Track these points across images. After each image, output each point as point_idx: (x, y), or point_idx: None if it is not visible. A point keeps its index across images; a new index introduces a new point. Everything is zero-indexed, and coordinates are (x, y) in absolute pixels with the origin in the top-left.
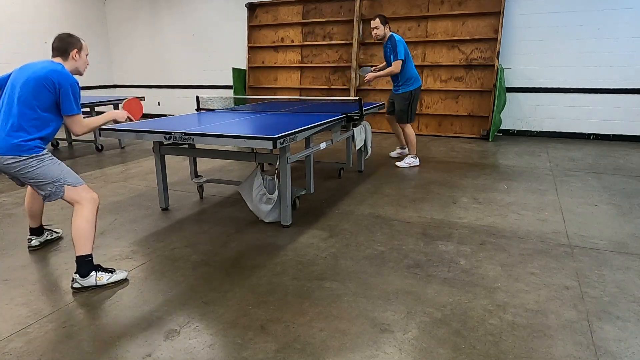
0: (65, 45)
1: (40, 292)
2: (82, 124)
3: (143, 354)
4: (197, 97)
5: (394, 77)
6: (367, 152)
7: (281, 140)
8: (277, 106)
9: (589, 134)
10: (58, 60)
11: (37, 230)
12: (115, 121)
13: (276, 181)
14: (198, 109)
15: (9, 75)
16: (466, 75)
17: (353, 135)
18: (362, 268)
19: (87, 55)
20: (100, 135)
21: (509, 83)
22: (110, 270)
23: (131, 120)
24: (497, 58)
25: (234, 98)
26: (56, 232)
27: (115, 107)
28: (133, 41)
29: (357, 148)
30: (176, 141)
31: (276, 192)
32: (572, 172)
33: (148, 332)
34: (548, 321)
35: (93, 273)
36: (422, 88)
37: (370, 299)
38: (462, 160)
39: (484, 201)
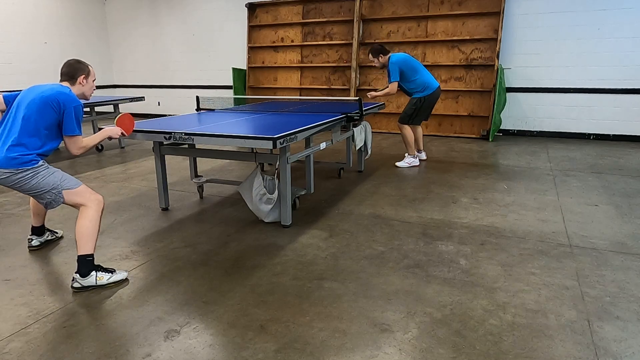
0: (73, 71)
1: (40, 292)
2: (80, 145)
3: (143, 354)
4: (197, 97)
5: (406, 87)
6: (367, 152)
7: (281, 140)
8: (277, 106)
9: (589, 134)
10: (66, 84)
11: (38, 230)
12: (110, 138)
13: (276, 181)
14: (198, 109)
15: (17, 94)
16: (466, 75)
17: (353, 135)
18: (362, 268)
19: (94, 80)
20: None
21: (509, 83)
22: (111, 271)
23: (124, 135)
24: (497, 58)
25: (234, 98)
26: (56, 233)
27: (115, 107)
28: (133, 41)
29: (357, 148)
30: (176, 141)
31: (276, 192)
32: (572, 172)
33: (148, 332)
34: (548, 321)
35: (93, 273)
36: None
37: (370, 299)
38: (462, 160)
39: (484, 201)
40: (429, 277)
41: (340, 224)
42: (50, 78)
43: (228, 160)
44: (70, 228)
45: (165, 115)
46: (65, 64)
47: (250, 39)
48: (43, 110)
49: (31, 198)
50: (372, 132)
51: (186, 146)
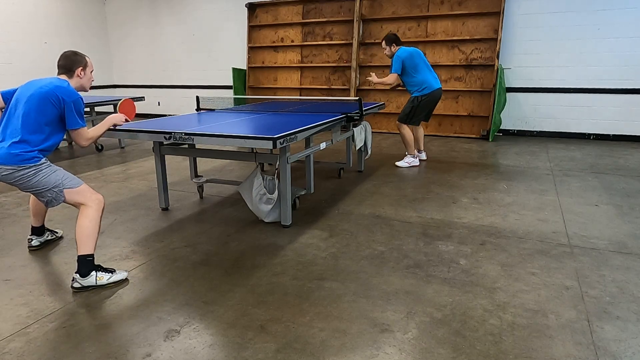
0: (70, 63)
1: (40, 292)
2: (86, 136)
3: (143, 354)
4: (197, 97)
5: (405, 84)
6: (367, 152)
7: (281, 140)
8: (277, 106)
9: (589, 134)
10: (63, 77)
11: (38, 230)
12: (115, 125)
13: (276, 181)
14: (198, 109)
15: (15, 91)
16: (466, 75)
17: (353, 135)
18: (362, 268)
19: (92, 72)
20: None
21: (509, 83)
22: (111, 271)
23: (127, 121)
24: (497, 58)
25: (234, 98)
26: (56, 233)
27: (115, 107)
28: (133, 41)
29: (357, 148)
30: (176, 141)
31: (276, 192)
32: (572, 172)
33: (148, 332)
34: (548, 321)
35: (93, 273)
36: None
37: (370, 299)
38: (462, 160)
39: (484, 201)
40: (429, 277)
41: (340, 224)
42: None
43: (228, 160)
44: (71, 228)
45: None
46: (61, 56)
47: (250, 39)
48: (42, 106)
49: (31, 198)
50: (372, 132)
51: (186, 146)
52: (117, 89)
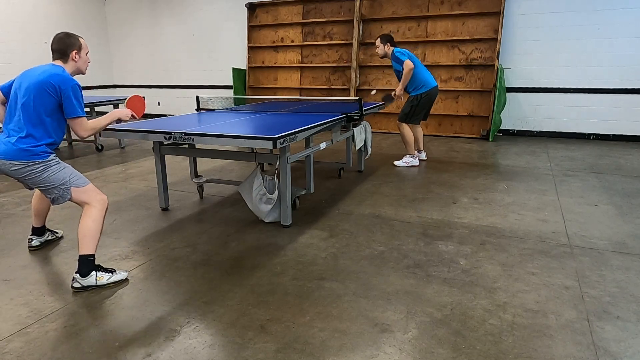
0: (64, 46)
1: (40, 292)
2: (86, 127)
3: (143, 354)
4: (197, 97)
5: (409, 82)
6: (367, 152)
7: (281, 140)
8: (277, 106)
9: (589, 134)
10: (58, 62)
11: (38, 230)
12: (120, 120)
13: (276, 181)
14: (198, 109)
15: (12, 83)
16: (466, 75)
17: (353, 135)
18: (362, 268)
19: (87, 53)
20: (100, 135)
21: (509, 83)
22: (111, 271)
23: (135, 118)
24: (497, 58)
25: (234, 98)
26: (56, 233)
27: (116, 107)
28: (133, 41)
29: (357, 148)
30: (176, 141)
31: (276, 192)
32: (572, 172)
33: (148, 332)
34: (548, 321)
35: (93, 273)
36: None
37: (370, 299)
38: (462, 160)
39: (484, 201)
40: (429, 277)
41: (340, 224)
42: None
43: (228, 160)
44: (71, 228)
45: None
46: (54, 39)
47: (250, 39)
48: (40, 96)
49: (33, 198)
50: (372, 132)
51: (186, 146)
52: (117, 89)
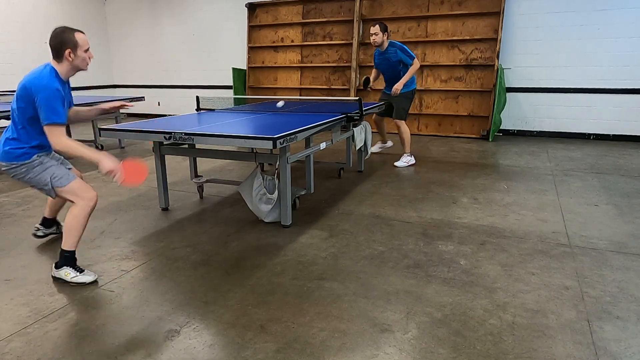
0: (58, 44)
1: (40, 292)
2: (58, 138)
3: (143, 354)
4: (197, 97)
5: (396, 80)
6: (367, 152)
7: (281, 140)
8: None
9: (589, 134)
10: (53, 62)
11: (47, 222)
12: (100, 166)
13: (276, 181)
14: (198, 109)
15: None
16: (466, 75)
17: (353, 135)
18: (362, 268)
19: (87, 50)
20: (100, 135)
21: (509, 83)
22: (81, 270)
23: (120, 181)
24: (497, 58)
25: (234, 98)
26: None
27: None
28: (133, 41)
29: (357, 148)
30: (176, 141)
31: (276, 192)
32: (572, 172)
33: (148, 332)
34: (548, 321)
35: (64, 268)
36: (422, 88)
37: (370, 299)
38: (462, 160)
39: (484, 201)
40: (429, 277)
41: (340, 224)
42: None
43: (228, 160)
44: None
45: (165, 115)
46: (51, 34)
47: (250, 39)
48: (21, 100)
49: None
50: (372, 132)
51: (186, 146)
52: (117, 89)
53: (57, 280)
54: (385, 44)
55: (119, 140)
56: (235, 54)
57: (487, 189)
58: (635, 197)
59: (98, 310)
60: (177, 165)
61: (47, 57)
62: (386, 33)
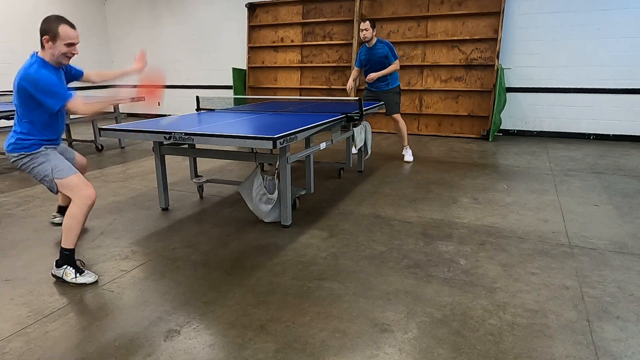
0: (40, 30)
1: (40, 292)
2: (76, 109)
3: (143, 354)
4: (197, 97)
5: (383, 76)
6: (367, 152)
7: (281, 140)
8: (277, 106)
9: (589, 134)
10: (39, 50)
11: (63, 210)
12: (119, 102)
13: (276, 181)
14: (198, 109)
15: None
16: (466, 75)
17: (353, 135)
18: (362, 268)
19: (68, 44)
20: (100, 135)
21: (509, 83)
22: (80, 271)
23: (142, 99)
24: (497, 58)
25: (234, 98)
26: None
27: (116, 107)
28: (133, 41)
29: (357, 148)
30: (176, 141)
31: (276, 192)
32: (572, 172)
33: (148, 332)
34: (548, 321)
35: (64, 267)
36: (422, 88)
37: (370, 299)
38: (462, 160)
39: (484, 201)
40: (429, 277)
41: (340, 224)
42: None
43: (228, 160)
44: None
45: (165, 115)
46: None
47: (250, 39)
48: (19, 97)
49: None
50: (372, 132)
51: (186, 146)
52: (117, 89)
53: (57, 280)
54: (374, 41)
55: (119, 140)
56: (235, 54)
57: (487, 189)
58: (635, 197)
59: (98, 310)
60: (177, 165)
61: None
62: (374, 29)
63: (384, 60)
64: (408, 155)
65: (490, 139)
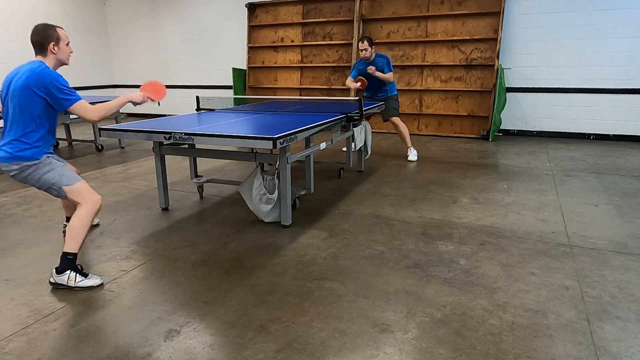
0: (41, 39)
1: (40, 292)
2: (90, 110)
3: (143, 354)
4: (197, 97)
5: (382, 84)
6: (367, 152)
7: (281, 140)
8: (277, 106)
9: (589, 134)
10: (39, 57)
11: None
12: (135, 103)
13: (276, 181)
14: (198, 109)
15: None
16: (466, 75)
17: (353, 135)
18: (362, 268)
19: (68, 44)
20: (100, 135)
21: (509, 83)
22: (85, 274)
23: (152, 100)
24: (497, 58)
25: (234, 98)
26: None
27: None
28: (133, 41)
29: (357, 148)
30: (176, 141)
31: (276, 192)
32: (572, 172)
33: (148, 332)
34: (548, 321)
35: (68, 272)
36: (422, 88)
37: (370, 299)
38: (462, 160)
39: (484, 201)
40: (429, 277)
41: (340, 224)
42: None
43: (228, 160)
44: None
45: (165, 115)
46: (32, 32)
47: (250, 39)
48: (26, 100)
49: None
50: (372, 132)
51: (186, 146)
52: (117, 88)
53: (59, 287)
54: (373, 56)
55: (119, 140)
56: (235, 54)
57: (487, 189)
58: (635, 197)
59: (98, 310)
60: (177, 165)
61: None
62: (373, 46)
63: (382, 72)
64: (412, 155)
65: (490, 139)
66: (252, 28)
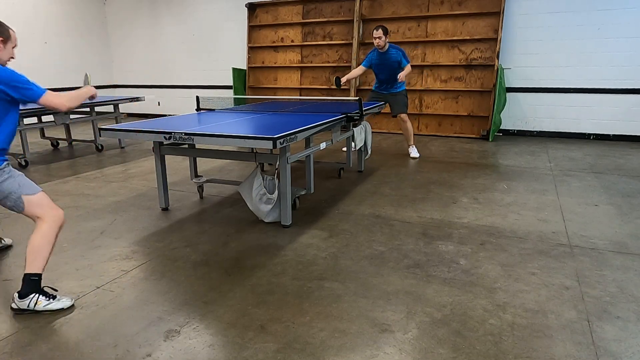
0: None
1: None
2: (57, 100)
3: (143, 354)
4: (197, 97)
5: (393, 79)
6: (367, 152)
7: (281, 140)
8: (277, 106)
9: (589, 134)
10: None
11: None
12: (90, 97)
13: (276, 181)
14: (198, 109)
15: None
16: (466, 75)
17: (353, 135)
18: (362, 268)
19: (14, 47)
20: (100, 135)
21: (509, 83)
22: (52, 296)
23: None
24: (497, 58)
25: (234, 98)
26: (3, 241)
27: (115, 107)
28: (133, 41)
29: (357, 148)
30: (176, 141)
31: (276, 192)
32: (572, 172)
33: (148, 332)
34: (548, 321)
35: (32, 295)
36: (422, 88)
37: (370, 299)
38: (462, 160)
39: (484, 201)
40: (429, 277)
41: (340, 224)
42: (50, 78)
43: (228, 160)
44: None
45: (165, 115)
46: None
47: (250, 39)
48: None
49: None
50: (372, 132)
51: (186, 146)
52: (117, 89)
53: (23, 313)
54: (387, 46)
55: (119, 140)
56: (235, 54)
57: (487, 189)
58: (635, 197)
59: (98, 310)
60: (177, 165)
61: (48, 57)
62: (387, 35)
63: (396, 65)
64: (414, 152)
65: (490, 139)
66: (252, 28)
